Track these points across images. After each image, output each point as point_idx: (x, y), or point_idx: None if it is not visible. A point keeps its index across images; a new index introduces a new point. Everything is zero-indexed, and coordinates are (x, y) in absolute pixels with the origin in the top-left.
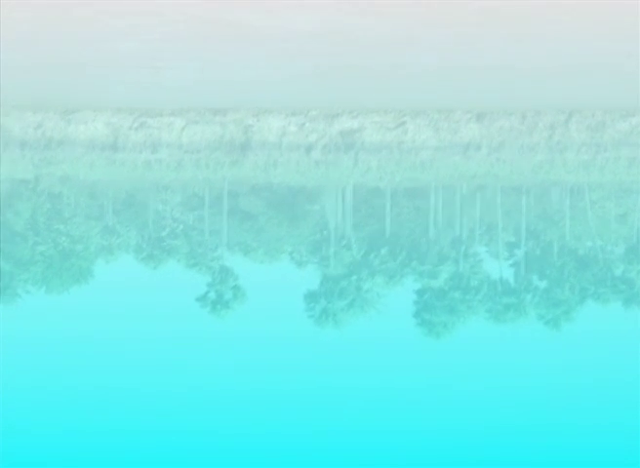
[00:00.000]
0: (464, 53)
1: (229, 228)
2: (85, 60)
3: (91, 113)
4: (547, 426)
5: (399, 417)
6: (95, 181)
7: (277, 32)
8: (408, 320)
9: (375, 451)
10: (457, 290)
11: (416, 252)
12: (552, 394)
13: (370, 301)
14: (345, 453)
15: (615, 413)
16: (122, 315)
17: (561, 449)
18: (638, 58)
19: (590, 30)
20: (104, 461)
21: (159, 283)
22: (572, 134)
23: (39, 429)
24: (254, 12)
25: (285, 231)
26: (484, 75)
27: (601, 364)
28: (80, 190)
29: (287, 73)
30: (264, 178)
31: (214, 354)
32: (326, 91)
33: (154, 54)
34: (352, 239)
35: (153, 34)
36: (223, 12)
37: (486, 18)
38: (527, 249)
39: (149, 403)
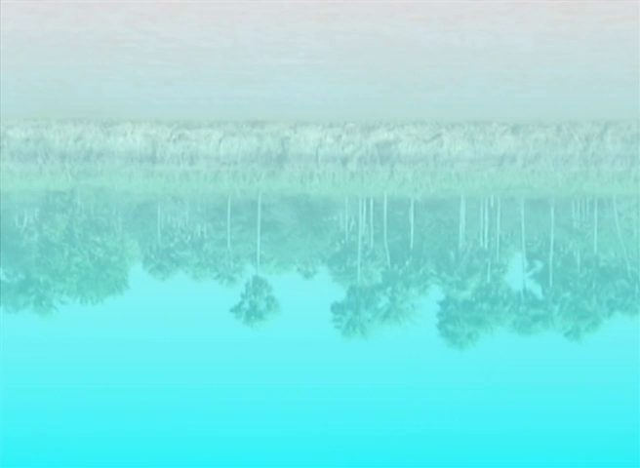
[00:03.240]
0: (500, 64)
1: (261, 240)
2: (125, 73)
3: (130, 125)
4: (575, 438)
5: (421, 427)
6: (132, 193)
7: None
8: (436, 330)
9: (396, 459)
10: (485, 301)
11: (446, 263)
12: (580, 406)
13: (405, 312)
14: (368, 461)
15: None
16: (156, 325)
17: (589, 462)
18: None
19: (627, 42)
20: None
21: (193, 293)
22: (607, 146)
23: (79, 432)
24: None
25: (315, 242)
26: (521, 87)
27: (629, 375)
28: (117, 202)
29: (324, 86)
30: (300, 190)
31: (245, 362)
32: (363, 103)
33: (193, 66)
34: (385, 250)
35: (191, 45)
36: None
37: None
38: (555, 260)
39: (184, 411)
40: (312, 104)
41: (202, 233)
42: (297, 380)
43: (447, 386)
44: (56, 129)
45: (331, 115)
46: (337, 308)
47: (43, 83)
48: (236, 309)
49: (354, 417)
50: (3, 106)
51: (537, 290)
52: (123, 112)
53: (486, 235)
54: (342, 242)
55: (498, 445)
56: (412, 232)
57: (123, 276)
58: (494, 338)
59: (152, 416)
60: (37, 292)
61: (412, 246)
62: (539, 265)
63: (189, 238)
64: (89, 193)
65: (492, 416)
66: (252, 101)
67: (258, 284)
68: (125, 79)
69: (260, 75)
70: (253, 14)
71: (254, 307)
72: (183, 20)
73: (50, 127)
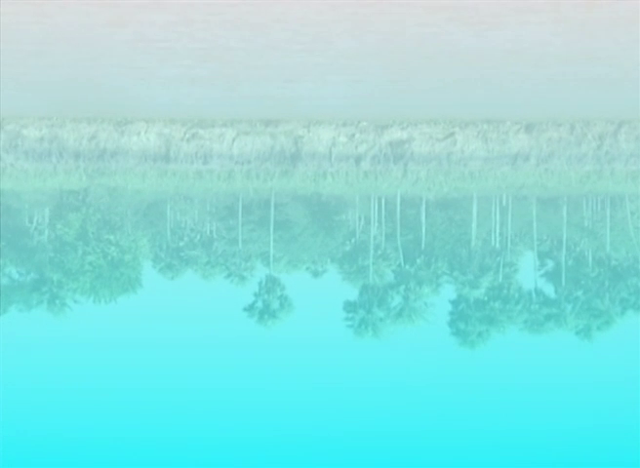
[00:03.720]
0: (514, 63)
1: (274, 238)
2: (138, 71)
3: (144, 124)
4: (587, 436)
5: (433, 424)
6: (145, 192)
7: (325, 45)
8: (448, 329)
9: (406, 457)
10: (497, 300)
11: (459, 262)
12: (593, 405)
13: (418, 311)
14: (378, 458)
15: None
16: (169, 324)
17: (607, 460)
18: None
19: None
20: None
21: (205, 292)
22: (620, 144)
23: (93, 430)
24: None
25: (328, 241)
26: (533, 86)
27: None
28: (130, 200)
29: (338, 84)
30: (313, 189)
31: (258, 360)
32: (376, 102)
33: (204, 65)
34: (398, 249)
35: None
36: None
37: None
38: (568, 259)
39: (197, 409)
40: (326, 104)
41: (215, 232)
42: (309, 379)
43: (458, 384)
44: (70, 128)
45: (344, 114)
46: (349, 307)
47: (61, 82)
48: (249, 308)
49: (367, 415)
50: (18, 106)
51: (550, 288)
52: (142, 112)
53: (499, 234)
54: (356, 241)
55: (509, 443)
56: (425, 231)
57: (136, 275)
58: (506, 337)
59: (165, 415)
60: (50, 290)
61: (425, 245)
62: (552, 264)
63: (202, 237)
64: (103, 192)
65: (503, 415)
66: (266, 100)
67: (271, 282)
68: (151, 79)
69: (283, 74)
70: (286, 14)
71: (267, 306)
72: (217, 21)
73: (64, 126)
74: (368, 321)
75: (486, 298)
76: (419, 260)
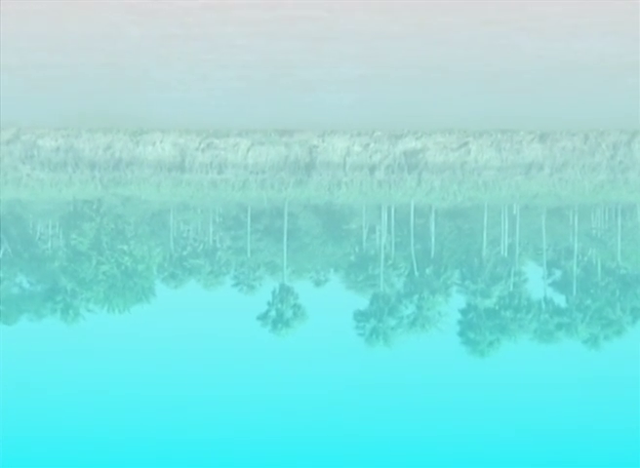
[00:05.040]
0: (528, 73)
1: (288, 248)
2: (154, 81)
3: (159, 134)
4: (597, 444)
5: (443, 432)
6: (160, 201)
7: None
8: (458, 338)
9: (416, 464)
10: (508, 309)
11: (473, 271)
12: (605, 413)
13: (431, 320)
14: (388, 465)
15: None
16: (184, 333)
17: (613, 465)
18: None
19: None
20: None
21: (219, 301)
22: (634, 154)
23: (107, 436)
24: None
25: (343, 250)
26: (547, 95)
27: None
28: (145, 210)
29: (352, 94)
30: (328, 198)
31: (271, 369)
32: (390, 111)
33: (221, 74)
34: (412, 259)
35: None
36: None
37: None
38: (582, 268)
39: (210, 418)
40: (341, 114)
41: (228, 242)
42: (322, 387)
43: (468, 393)
44: (85, 138)
45: (359, 124)
46: (360, 316)
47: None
48: (263, 317)
49: (379, 422)
50: (34, 116)
51: (563, 298)
52: (157, 122)
53: (512, 243)
54: (370, 250)
55: (519, 451)
56: (439, 240)
57: (150, 284)
58: (517, 346)
59: (179, 423)
60: (64, 299)
61: (439, 254)
62: (564, 273)
63: (216, 247)
64: (118, 202)
65: (515, 424)
66: (281, 110)
67: (284, 291)
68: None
69: (298, 84)
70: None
71: (280, 315)
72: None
73: (80, 136)
74: (379, 329)
75: (497, 307)
76: (432, 270)
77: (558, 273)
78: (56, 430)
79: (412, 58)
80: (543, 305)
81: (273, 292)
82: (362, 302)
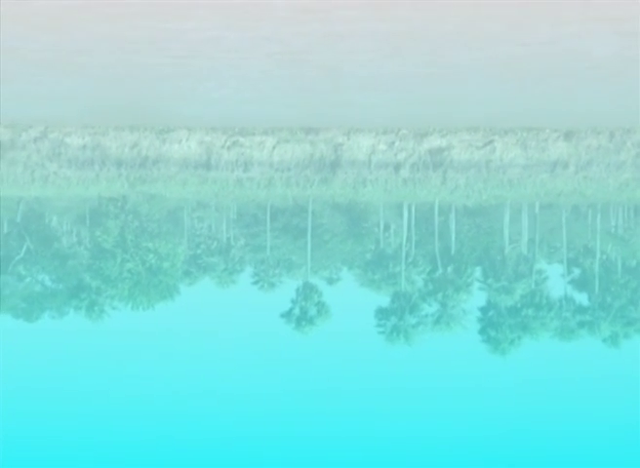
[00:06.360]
0: (553, 71)
1: (312, 245)
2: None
3: (185, 132)
4: (620, 442)
5: (463, 429)
6: (186, 199)
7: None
8: (481, 336)
9: (436, 462)
10: (530, 307)
11: (496, 269)
12: (628, 412)
13: (456, 317)
14: (407, 463)
15: None
16: (206, 330)
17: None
18: None
19: None
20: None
21: (242, 298)
22: None
23: (134, 433)
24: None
25: (366, 248)
26: (572, 93)
27: None
28: (171, 208)
29: (378, 92)
30: (352, 196)
31: (294, 365)
32: (415, 109)
33: (250, 73)
34: (436, 257)
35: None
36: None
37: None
38: (605, 266)
39: (234, 414)
40: (366, 112)
41: (252, 239)
42: (344, 383)
43: (488, 391)
44: (112, 136)
45: (384, 122)
46: (382, 313)
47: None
48: (287, 314)
49: (400, 419)
50: (62, 114)
51: (590, 296)
52: (183, 120)
53: (536, 241)
54: (393, 248)
55: (540, 448)
56: (463, 238)
57: (174, 282)
58: (539, 344)
59: (204, 418)
60: (89, 297)
61: (463, 252)
62: (589, 271)
63: (239, 244)
64: (144, 199)
65: (536, 422)
66: (307, 108)
67: (308, 289)
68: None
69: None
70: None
71: (304, 312)
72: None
73: (107, 134)
74: (400, 327)
75: (519, 305)
76: (455, 267)
77: (581, 271)
78: (81, 426)
79: (437, 56)
80: (565, 303)
81: (297, 290)
82: (385, 300)
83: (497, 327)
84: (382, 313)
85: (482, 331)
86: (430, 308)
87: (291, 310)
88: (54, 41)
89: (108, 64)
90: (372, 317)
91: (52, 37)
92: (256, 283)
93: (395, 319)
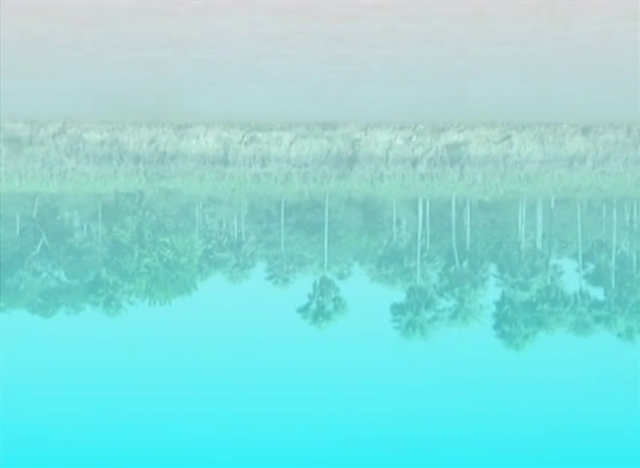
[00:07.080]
0: (569, 66)
1: (329, 239)
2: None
3: (203, 128)
4: (637, 438)
5: (479, 424)
6: (203, 194)
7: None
8: (495, 331)
9: (453, 456)
10: (545, 302)
11: (512, 264)
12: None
13: (473, 312)
14: (423, 457)
15: None
16: (224, 326)
17: None
18: None
19: None
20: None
21: (258, 294)
22: None
23: (152, 426)
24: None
25: (382, 243)
26: (589, 88)
27: None
28: (188, 203)
29: (395, 87)
30: (370, 191)
31: (311, 361)
32: (432, 104)
33: (265, 68)
34: (454, 252)
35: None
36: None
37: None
38: (622, 261)
39: (251, 409)
40: (384, 107)
41: (270, 235)
42: (360, 379)
43: (504, 386)
44: (130, 131)
45: (402, 117)
46: (397, 308)
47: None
48: (304, 309)
49: (416, 414)
50: (80, 110)
51: (606, 291)
52: (201, 116)
53: (553, 236)
54: (410, 243)
55: (556, 443)
56: (480, 233)
57: (191, 277)
58: (554, 339)
59: (226, 412)
60: (107, 292)
61: (480, 247)
62: (605, 267)
63: (256, 240)
64: (162, 195)
65: (551, 417)
66: (324, 104)
67: (325, 284)
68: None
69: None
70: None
71: (322, 308)
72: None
73: (124, 130)
74: (415, 322)
75: (534, 300)
76: (471, 263)
77: (597, 266)
78: (105, 421)
79: (455, 50)
80: (580, 298)
81: (314, 285)
82: (400, 295)
83: (511, 322)
84: (398, 308)
85: (497, 326)
86: (447, 303)
87: (308, 305)
88: (76, 38)
89: (125, 60)
90: (387, 312)
91: (74, 33)
92: (270, 278)
93: (411, 314)
